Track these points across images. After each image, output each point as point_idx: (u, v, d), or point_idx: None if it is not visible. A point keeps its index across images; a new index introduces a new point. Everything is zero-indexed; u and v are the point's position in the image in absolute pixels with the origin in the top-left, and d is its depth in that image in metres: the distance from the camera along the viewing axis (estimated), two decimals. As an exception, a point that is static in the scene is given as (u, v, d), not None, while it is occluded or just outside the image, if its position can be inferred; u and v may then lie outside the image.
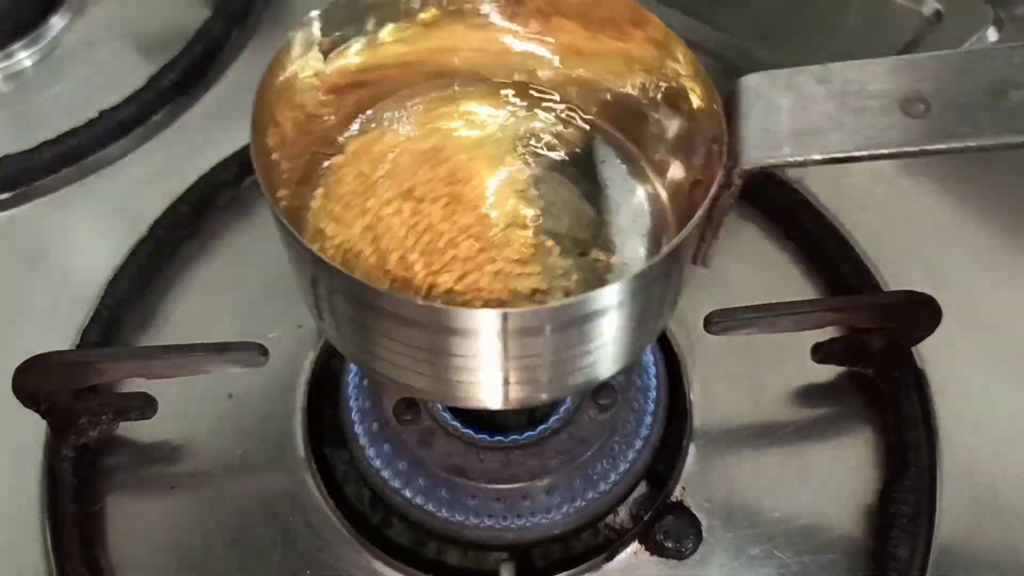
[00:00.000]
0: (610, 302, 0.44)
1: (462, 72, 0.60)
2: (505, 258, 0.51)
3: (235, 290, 0.70)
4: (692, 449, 0.62)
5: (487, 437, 0.58)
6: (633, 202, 0.55)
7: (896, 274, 0.68)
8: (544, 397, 0.52)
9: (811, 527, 0.60)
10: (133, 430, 0.63)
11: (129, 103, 0.76)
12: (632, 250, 0.53)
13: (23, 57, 0.86)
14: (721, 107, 0.48)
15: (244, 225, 0.73)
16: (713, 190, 0.45)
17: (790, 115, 0.46)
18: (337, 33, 0.56)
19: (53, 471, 0.60)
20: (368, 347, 0.48)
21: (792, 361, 0.65)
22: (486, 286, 0.51)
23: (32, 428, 0.61)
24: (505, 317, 0.42)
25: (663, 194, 0.56)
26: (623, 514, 0.61)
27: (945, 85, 0.45)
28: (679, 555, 0.58)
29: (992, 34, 0.81)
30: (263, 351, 0.57)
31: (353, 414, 0.61)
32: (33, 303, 0.69)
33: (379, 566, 0.58)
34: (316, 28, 0.55)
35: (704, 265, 0.52)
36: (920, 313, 0.60)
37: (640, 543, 0.59)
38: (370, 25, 0.57)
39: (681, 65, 0.52)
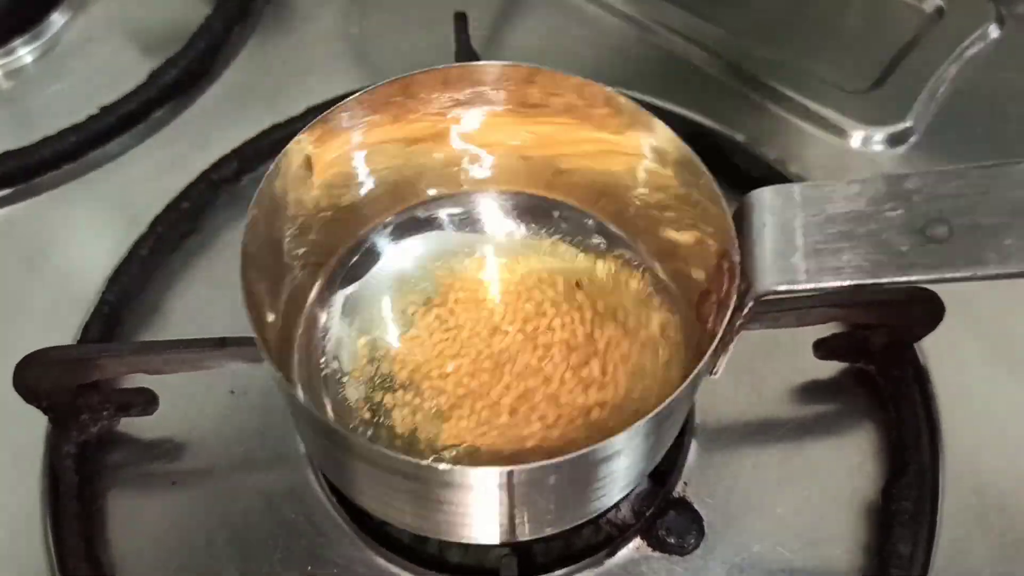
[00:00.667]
0: (621, 446, 0.44)
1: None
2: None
3: (235, 287, 0.69)
4: (694, 445, 0.62)
5: (489, 433, 0.58)
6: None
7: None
8: (548, 532, 0.53)
9: (813, 524, 0.60)
10: (134, 427, 0.62)
11: (130, 99, 0.76)
12: None
13: (24, 54, 0.85)
14: (731, 223, 0.47)
15: (244, 222, 0.72)
16: (728, 315, 0.45)
17: (804, 234, 0.44)
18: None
19: (54, 468, 0.60)
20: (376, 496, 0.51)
21: (793, 358, 0.65)
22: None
23: (33, 425, 0.61)
24: (510, 474, 0.43)
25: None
26: (625, 510, 0.60)
27: (965, 205, 0.43)
28: (681, 551, 0.58)
29: (994, 31, 0.81)
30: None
31: (353, 409, 0.60)
32: (33, 300, 0.69)
33: (381, 562, 0.58)
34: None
35: (714, 375, 0.51)
36: (922, 310, 0.60)
37: (642, 539, 0.58)
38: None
39: (691, 173, 0.51)
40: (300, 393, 0.49)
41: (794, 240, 0.44)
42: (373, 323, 0.59)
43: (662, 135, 0.52)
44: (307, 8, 0.88)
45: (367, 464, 0.47)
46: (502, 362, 0.57)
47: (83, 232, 0.72)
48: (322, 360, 0.58)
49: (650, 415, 0.43)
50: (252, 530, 0.59)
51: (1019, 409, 0.64)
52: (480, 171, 0.62)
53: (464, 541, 0.52)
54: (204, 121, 0.79)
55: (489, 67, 0.56)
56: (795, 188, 0.46)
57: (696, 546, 0.58)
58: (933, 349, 0.64)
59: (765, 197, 0.46)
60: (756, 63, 0.81)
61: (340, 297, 0.60)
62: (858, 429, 0.63)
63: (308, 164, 0.55)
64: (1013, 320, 0.67)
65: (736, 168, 0.73)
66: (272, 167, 0.52)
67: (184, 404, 0.63)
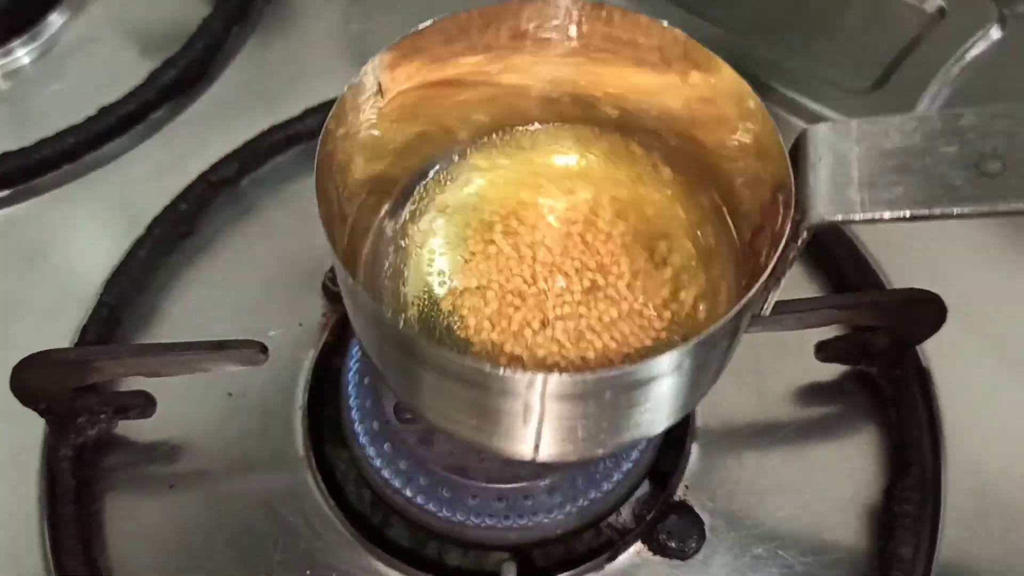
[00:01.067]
0: (667, 368, 0.44)
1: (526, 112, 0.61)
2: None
3: (235, 288, 0.69)
4: (695, 448, 0.62)
5: (489, 436, 0.58)
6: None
7: (899, 272, 0.67)
8: (584, 454, 0.53)
9: (814, 526, 0.59)
10: (132, 429, 0.62)
11: (128, 100, 0.76)
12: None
13: (22, 55, 0.85)
14: (787, 156, 0.46)
15: (244, 223, 0.72)
16: (780, 247, 0.45)
17: (860, 168, 0.44)
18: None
19: (52, 470, 0.59)
20: (409, 384, 0.49)
21: (795, 360, 0.65)
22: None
23: (31, 427, 0.61)
24: (544, 381, 0.42)
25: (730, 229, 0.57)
26: (625, 514, 0.60)
27: (1019, 142, 0.43)
28: (682, 555, 0.58)
29: (996, 31, 0.81)
30: (263, 349, 0.57)
31: (353, 413, 0.60)
32: (31, 301, 0.68)
33: (380, 566, 0.57)
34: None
35: (763, 313, 0.51)
36: (925, 311, 0.59)
37: (643, 543, 0.58)
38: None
39: (748, 110, 0.51)
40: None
41: (850, 172, 0.44)
42: (437, 244, 0.58)
43: (722, 73, 0.52)
44: (307, 8, 0.88)
45: (419, 362, 0.46)
46: (559, 280, 0.56)
47: (82, 233, 0.72)
48: (386, 277, 0.57)
49: (701, 335, 0.42)
50: (250, 533, 0.59)
51: (1021, 411, 0.64)
52: (545, 107, 0.61)
53: (504, 455, 0.50)
54: (203, 122, 0.79)
55: (561, 3, 0.55)
56: (852, 123, 0.45)
57: (697, 550, 0.58)
58: (935, 351, 0.64)
59: (821, 131, 0.46)
60: (756, 63, 0.80)
61: (404, 220, 0.59)
62: (860, 432, 0.63)
63: (379, 89, 0.54)
64: (1016, 322, 0.67)
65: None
66: (346, 89, 0.51)
67: (182, 407, 0.63)
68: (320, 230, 0.46)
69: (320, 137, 0.49)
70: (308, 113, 0.75)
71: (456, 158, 0.61)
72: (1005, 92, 0.79)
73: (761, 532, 0.59)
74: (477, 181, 0.60)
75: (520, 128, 0.62)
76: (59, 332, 0.65)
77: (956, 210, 0.43)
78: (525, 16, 0.55)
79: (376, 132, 0.55)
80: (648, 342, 0.53)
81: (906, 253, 0.69)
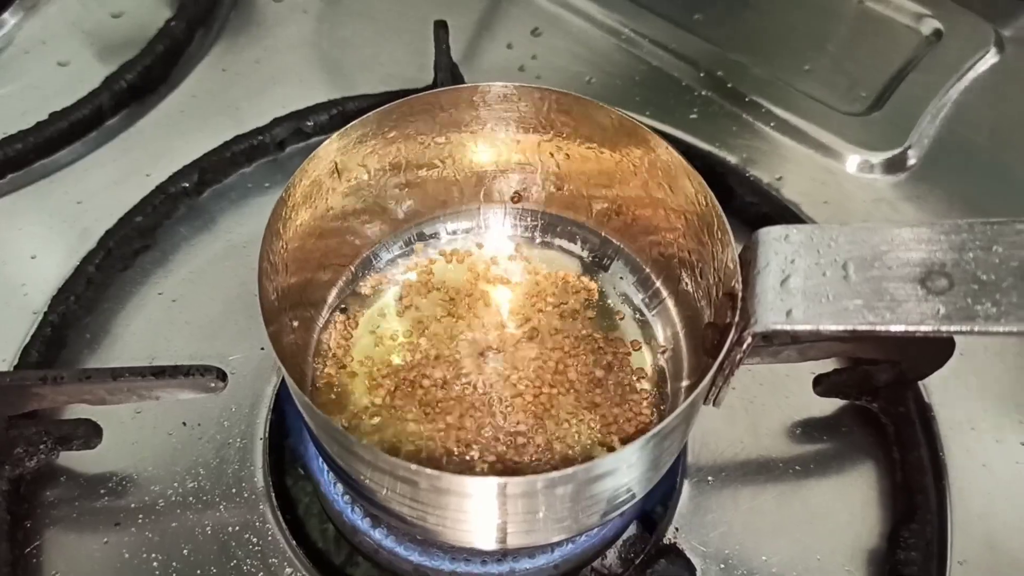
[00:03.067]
0: (618, 464, 0.45)
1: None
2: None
3: (193, 308, 0.65)
4: (686, 487, 0.58)
5: (466, 473, 0.54)
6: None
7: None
8: (543, 541, 0.53)
9: (813, 572, 0.55)
10: (75, 460, 0.57)
11: (82, 105, 0.71)
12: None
13: (-34, 56, 0.80)
14: (737, 264, 0.48)
15: (204, 239, 0.68)
16: (726, 348, 0.46)
17: (806, 277, 0.46)
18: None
19: (-17, 507, 0.54)
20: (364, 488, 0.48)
21: (791, 394, 0.61)
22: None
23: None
24: (504, 486, 0.42)
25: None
26: (611, 557, 0.56)
27: (969, 259, 0.44)
28: (672, 603, 0.54)
29: (993, 55, 0.79)
30: (221, 375, 0.52)
31: (314, 448, 0.56)
32: (-33, 323, 0.63)
33: (346, 614, 0.53)
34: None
35: (715, 405, 0.51)
36: (930, 346, 0.56)
37: (632, 588, 0.54)
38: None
39: (706, 208, 0.52)
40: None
41: (795, 281, 0.46)
42: (385, 328, 0.59)
43: (691, 184, 0.53)
44: (275, 15, 0.84)
45: (372, 469, 0.46)
46: (506, 374, 0.57)
47: (27, 246, 0.67)
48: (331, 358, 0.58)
49: (645, 436, 0.43)
50: (203, 574, 0.54)
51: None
52: (502, 188, 0.63)
53: (460, 544, 0.51)
54: (162, 130, 0.74)
55: (520, 89, 0.57)
56: (802, 229, 0.47)
57: (689, 597, 0.54)
58: (937, 388, 0.61)
59: (771, 236, 0.47)
60: (749, 82, 0.78)
61: (356, 300, 0.61)
62: (860, 470, 0.59)
63: (335, 170, 0.55)
64: (1019, 359, 0.64)
65: (730, 191, 0.69)
66: (298, 172, 0.52)
67: (131, 436, 0.58)
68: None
69: (272, 212, 0.51)
70: (275, 123, 0.71)
71: (406, 237, 0.63)
72: (1001, 114, 0.77)
73: (757, 577, 0.55)
74: (423, 267, 0.62)
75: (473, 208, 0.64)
76: (-1, 353, 0.60)
77: (898, 328, 0.44)
78: (481, 99, 0.57)
79: (330, 208, 0.57)
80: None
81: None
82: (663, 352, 0.58)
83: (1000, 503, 0.58)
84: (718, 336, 0.50)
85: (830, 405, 0.61)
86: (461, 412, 0.55)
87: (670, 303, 0.59)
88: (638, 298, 0.61)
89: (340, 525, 0.55)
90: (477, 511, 0.45)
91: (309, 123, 0.72)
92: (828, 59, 0.81)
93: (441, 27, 0.72)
